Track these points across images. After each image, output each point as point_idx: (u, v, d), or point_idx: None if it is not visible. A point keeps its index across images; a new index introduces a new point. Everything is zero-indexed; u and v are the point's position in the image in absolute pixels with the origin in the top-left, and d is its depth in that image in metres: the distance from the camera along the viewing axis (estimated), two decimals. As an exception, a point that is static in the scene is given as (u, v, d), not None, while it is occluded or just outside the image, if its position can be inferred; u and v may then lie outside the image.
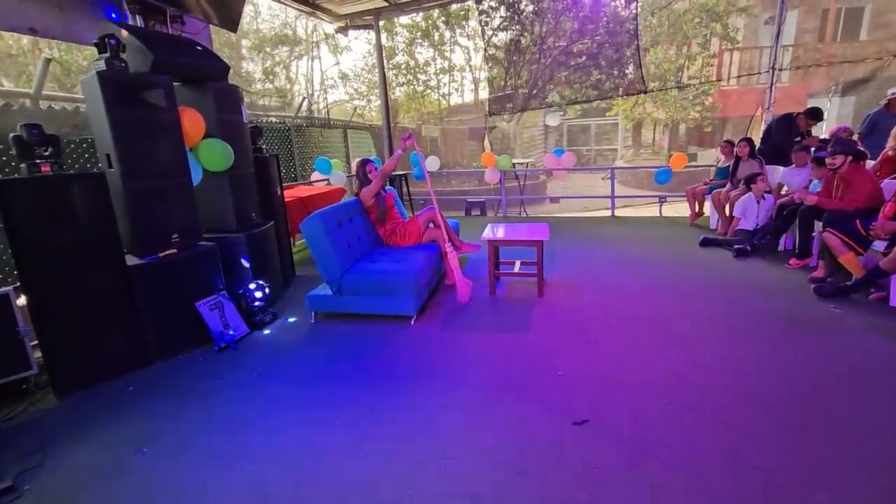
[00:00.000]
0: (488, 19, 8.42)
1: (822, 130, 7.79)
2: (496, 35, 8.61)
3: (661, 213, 7.50)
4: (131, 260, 2.93)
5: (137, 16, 3.48)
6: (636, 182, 16.03)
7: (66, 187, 2.60)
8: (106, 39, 2.74)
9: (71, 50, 13.87)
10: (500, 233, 4.06)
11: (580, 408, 2.28)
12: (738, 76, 14.21)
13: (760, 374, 2.51)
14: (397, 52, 17.27)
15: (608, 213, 7.79)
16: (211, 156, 3.43)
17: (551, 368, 2.68)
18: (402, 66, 17.45)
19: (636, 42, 7.68)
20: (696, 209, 6.52)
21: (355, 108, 15.19)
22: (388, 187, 4.48)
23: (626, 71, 8.08)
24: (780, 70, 6.81)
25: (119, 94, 2.77)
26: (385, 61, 9.59)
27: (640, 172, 15.58)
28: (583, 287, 4.04)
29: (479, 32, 9.50)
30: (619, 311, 3.46)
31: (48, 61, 3.86)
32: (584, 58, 8.23)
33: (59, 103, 3.96)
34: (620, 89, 8.48)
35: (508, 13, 8.21)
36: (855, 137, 5.26)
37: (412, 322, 3.43)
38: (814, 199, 4.12)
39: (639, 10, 7.78)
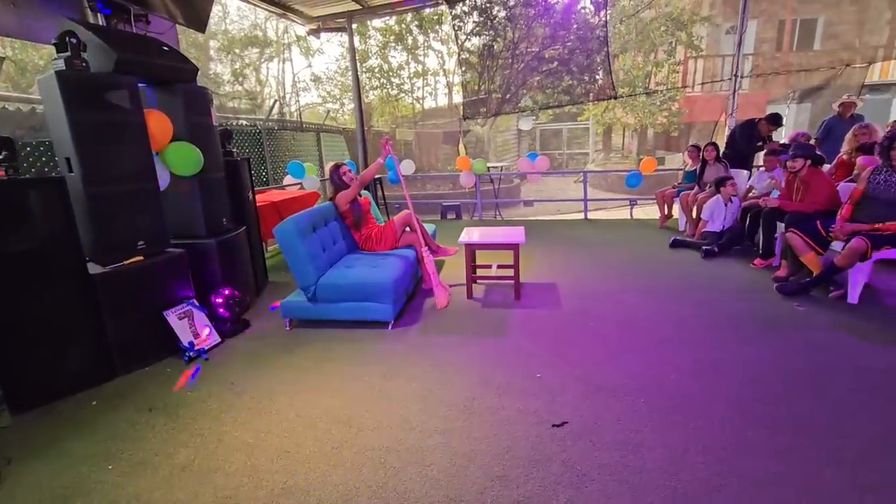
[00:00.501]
0: (461, 24, 8.47)
1: (782, 136, 8.14)
2: (469, 40, 8.67)
3: (631, 215, 7.68)
4: (94, 268, 2.80)
5: (99, 14, 3.34)
6: (607, 185, 16.37)
7: (23, 192, 2.46)
8: (66, 38, 2.62)
9: (26, 48, 13.26)
10: (476, 236, 4.07)
11: (559, 410, 2.29)
12: (703, 83, 14.71)
13: (734, 373, 2.58)
14: (370, 55, 17.17)
15: (581, 215, 7.92)
16: (179, 159, 3.32)
17: (530, 371, 2.69)
18: (376, 70, 17.36)
19: (606, 48, 7.86)
20: (665, 212, 6.70)
21: (328, 112, 15.02)
22: (363, 191, 4.43)
23: (597, 76, 8.26)
24: (742, 77, 7.09)
25: (80, 95, 2.65)
26: (358, 64, 9.52)
27: (611, 176, 15.91)
28: (559, 289, 4.09)
29: (453, 37, 9.55)
30: (596, 313, 3.51)
31: (1, 60, 3.66)
32: (555, 63, 8.37)
33: (14, 104, 3.77)
34: (591, 94, 8.67)
35: (481, 18, 8.29)
36: (812, 142, 5.52)
37: (389, 328, 3.40)
38: (775, 201, 4.29)
39: (608, 17, 7.98)
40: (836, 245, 3.57)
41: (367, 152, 8.65)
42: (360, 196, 4.23)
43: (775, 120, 5.79)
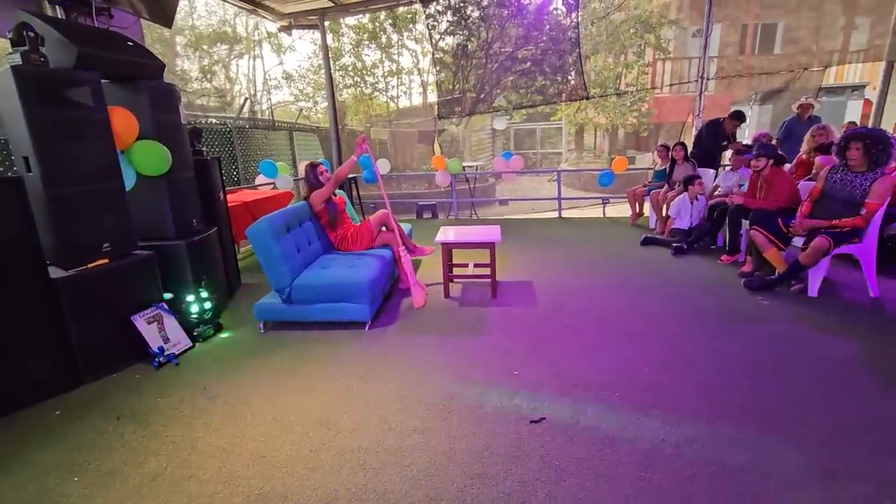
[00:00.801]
0: (435, 23, 8.47)
1: (745, 136, 8.45)
2: (443, 39, 8.68)
3: (604, 213, 7.83)
4: (56, 272, 2.68)
5: (58, 7, 3.21)
6: (580, 184, 16.65)
7: (-23, 193, 2.34)
8: (23, 31, 2.50)
9: (-23, 41, 12.59)
10: (452, 235, 4.08)
11: (537, 407, 2.32)
12: (671, 84, 15.13)
13: (704, 366, 2.66)
14: (344, 53, 16.99)
15: (555, 214, 8.03)
16: (146, 159, 3.21)
17: (507, 369, 2.71)
18: (349, 68, 17.19)
19: (578, 50, 7.99)
20: (637, 210, 6.86)
21: (301, 110, 14.80)
22: (338, 191, 4.38)
23: (569, 77, 8.39)
24: (708, 79, 7.31)
25: (38, 91, 2.53)
26: (331, 62, 9.41)
27: (584, 175, 16.20)
28: (535, 287, 4.14)
29: (427, 36, 9.54)
30: (571, 310, 3.57)
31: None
32: (528, 63, 8.46)
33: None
34: (563, 94, 8.80)
35: (455, 18, 8.31)
36: (773, 142, 5.74)
37: (367, 328, 3.37)
38: (740, 199, 4.45)
39: (580, 19, 8.10)
40: (797, 241, 3.73)
41: (341, 151, 8.56)
42: (335, 196, 4.18)
43: (738, 116, 6.01)
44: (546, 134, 22.71)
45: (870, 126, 6.78)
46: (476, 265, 4.31)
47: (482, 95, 8.69)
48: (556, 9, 8.00)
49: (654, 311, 3.48)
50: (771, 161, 4.14)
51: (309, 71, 19.22)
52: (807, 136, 4.90)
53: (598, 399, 2.37)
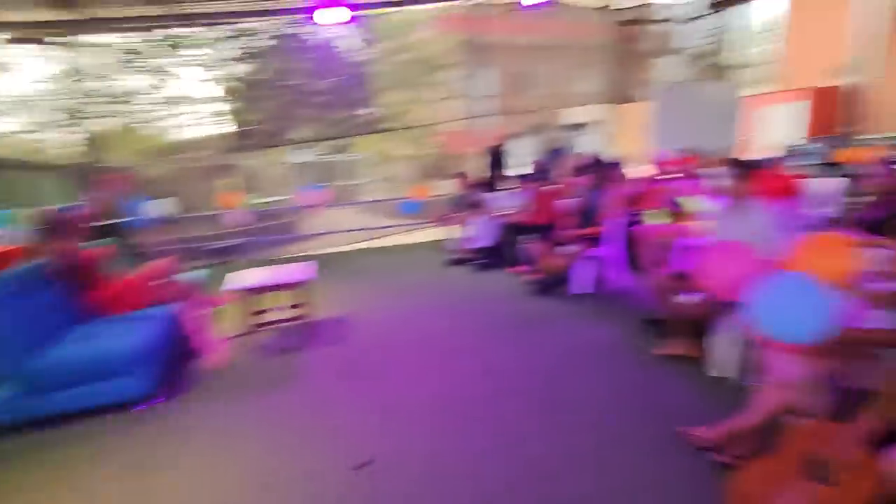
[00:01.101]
0: (223, 49, 7.84)
1: (522, 164, 9.91)
2: (234, 67, 8.08)
3: (413, 240, 8.18)
4: None
5: None
6: (388, 213, 17.19)
7: None
8: None
9: None
10: (253, 278, 3.68)
11: (362, 450, 2.18)
12: (457, 119, 16.98)
13: (518, 370, 2.94)
14: (97, 75, 14.24)
15: (366, 244, 8.07)
16: None
17: (329, 416, 2.52)
18: (105, 93, 14.48)
19: (371, 85, 8.32)
20: (442, 233, 7.34)
21: (36, 143, 11.87)
22: (98, 240, 3.55)
23: (364, 111, 8.67)
24: (486, 116, 8.39)
25: None
26: (81, 85, 7.82)
27: (391, 204, 16.79)
28: (353, 322, 3.99)
29: (213, 62, 8.73)
30: (392, 341, 3.55)
31: None
32: (324, 97, 8.46)
33: None
34: (359, 128, 9.04)
35: (245, 46, 7.83)
36: (544, 168, 6.85)
37: (147, 405, 2.73)
38: (520, 217, 5.15)
39: (371, 56, 8.48)
40: (567, 249, 4.44)
41: (94, 193, 7.07)
42: (91, 247, 3.37)
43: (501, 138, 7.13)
44: (350, 166, 22.97)
45: (602, 154, 8.64)
46: (284, 308, 3.94)
47: (277, 128, 8.32)
48: (343, 47, 8.21)
49: (465, 327, 3.71)
50: (543, 184, 4.91)
51: (49, 96, 15.57)
52: (564, 163, 5.97)
53: (425, 424, 2.37)
